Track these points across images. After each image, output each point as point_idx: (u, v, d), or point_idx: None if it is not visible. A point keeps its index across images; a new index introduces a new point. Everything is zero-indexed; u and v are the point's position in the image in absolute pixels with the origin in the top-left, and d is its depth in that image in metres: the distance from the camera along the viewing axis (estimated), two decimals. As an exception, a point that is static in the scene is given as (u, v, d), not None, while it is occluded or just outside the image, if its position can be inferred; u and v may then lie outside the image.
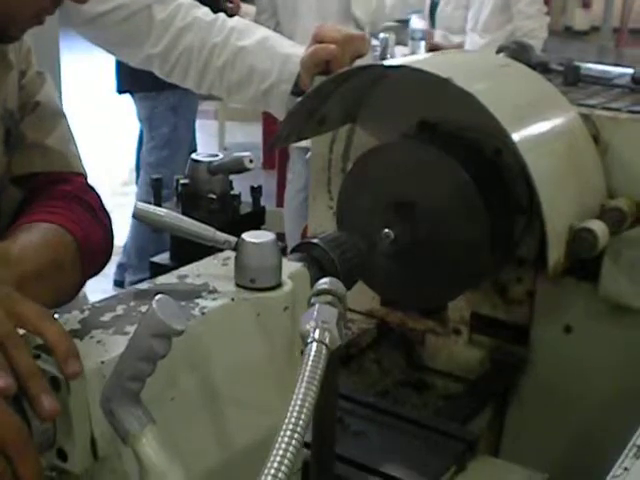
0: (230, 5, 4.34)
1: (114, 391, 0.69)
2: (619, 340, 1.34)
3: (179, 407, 0.83)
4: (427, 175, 1.26)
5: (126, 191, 5.31)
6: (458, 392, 1.44)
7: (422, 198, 1.26)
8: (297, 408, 0.61)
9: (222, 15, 1.68)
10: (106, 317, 0.84)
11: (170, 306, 0.67)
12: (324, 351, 0.67)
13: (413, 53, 4.74)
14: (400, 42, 5.04)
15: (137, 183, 4.18)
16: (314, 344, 0.67)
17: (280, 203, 4.45)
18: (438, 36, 4.76)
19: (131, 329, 0.80)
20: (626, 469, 0.72)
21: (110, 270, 3.90)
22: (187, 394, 0.84)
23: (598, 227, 1.18)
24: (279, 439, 0.61)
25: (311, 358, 0.66)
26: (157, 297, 0.68)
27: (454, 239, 1.25)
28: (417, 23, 4.88)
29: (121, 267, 3.97)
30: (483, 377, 1.42)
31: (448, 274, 1.28)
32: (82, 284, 1.12)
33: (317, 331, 0.69)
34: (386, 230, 1.25)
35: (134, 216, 0.92)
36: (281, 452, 0.61)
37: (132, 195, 4.22)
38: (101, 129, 6.52)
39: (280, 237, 0.95)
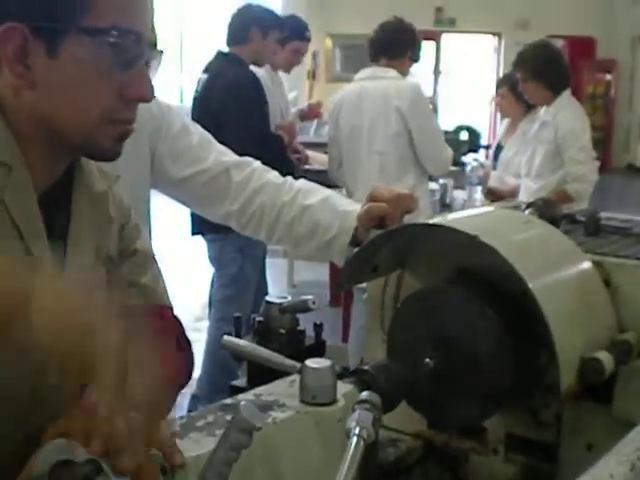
0: (298, 156, 4.66)
1: (210, 473, 0.93)
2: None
3: (255, 495, 1.07)
4: (462, 314, 1.47)
5: (199, 326, 5.56)
6: (496, 504, 1.63)
7: (458, 334, 1.49)
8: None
9: (289, 178, 1.96)
10: (200, 423, 1.09)
11: (252, 409, 0.92)
12: (362, 443, 0.91)
13: (470, 197, 5.04)
14: (458, 186, 5.36)
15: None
16: (355, 437, 0.92)
17: (345, 339, 4.68)
18: (494, 180, 5.03)
19: (219, 432, 1.05)
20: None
21: (184, 401, 4.12)
22: (261, 485, 1.08)
23: (605, 357, 1.39)
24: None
25: (352, 448, 0.90)
26: (242, 402, 0.93)
27: (485, 370, 1.45)
28: (474, 169, 5.18)
29: (195, 398, 4.15)
30: (517, 491, 1.61)
31: (480, 399, 1.48)
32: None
33: (357, 428, 0.93)
34: (427, 360, 1.47)
35: (222, 347, 1.18)
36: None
37: (204, 331, 4.46)
38: (178, 268, 6.85)
39: (345, 370, 1.20)
